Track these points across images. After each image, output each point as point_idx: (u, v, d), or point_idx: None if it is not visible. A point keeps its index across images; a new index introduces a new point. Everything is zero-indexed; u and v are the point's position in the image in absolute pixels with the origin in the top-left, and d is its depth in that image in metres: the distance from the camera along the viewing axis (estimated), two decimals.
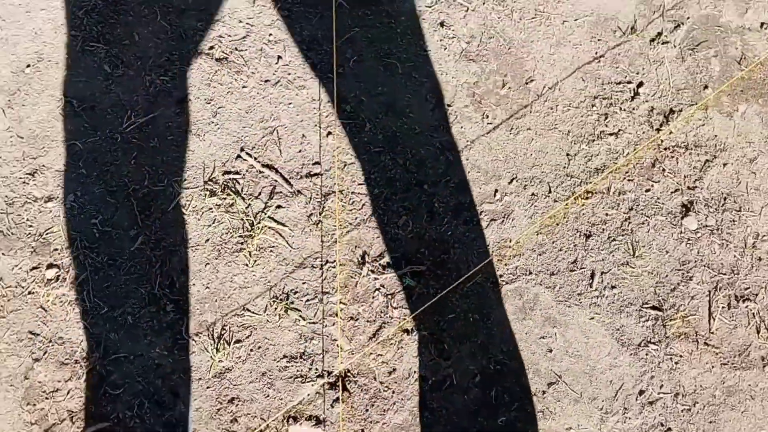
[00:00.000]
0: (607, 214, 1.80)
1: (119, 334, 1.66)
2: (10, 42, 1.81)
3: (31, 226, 1.72)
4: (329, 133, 1.81)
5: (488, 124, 1.85)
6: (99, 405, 1.61)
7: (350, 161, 1.80)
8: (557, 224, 1.78)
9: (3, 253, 1.69)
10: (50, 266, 1.70)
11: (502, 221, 1.78)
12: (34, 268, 1.69)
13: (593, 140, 1.85)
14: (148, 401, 1.62)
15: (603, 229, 1.79)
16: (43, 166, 1.75)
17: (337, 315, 1.68)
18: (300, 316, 1.68)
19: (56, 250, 1.70)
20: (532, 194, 1.81)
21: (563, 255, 1.76)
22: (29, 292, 1.68)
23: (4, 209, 1.72)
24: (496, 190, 1.80)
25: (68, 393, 1.63)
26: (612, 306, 1.73)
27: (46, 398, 1.63)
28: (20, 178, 1.75)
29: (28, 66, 1.80)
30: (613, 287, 1.75)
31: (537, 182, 1.82)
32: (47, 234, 1.71)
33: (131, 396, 1.62)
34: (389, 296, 1.71)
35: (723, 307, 1.74)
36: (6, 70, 1.79)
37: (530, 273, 1.74)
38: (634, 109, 1.88)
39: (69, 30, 1.84)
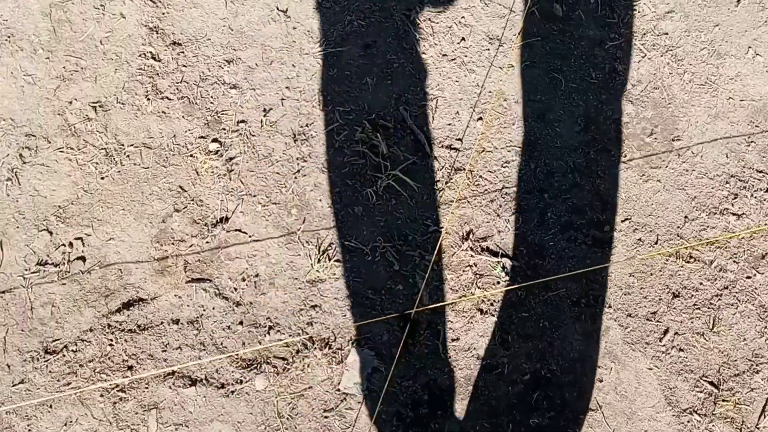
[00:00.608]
0: (701, 284, 2.00)
1: (246, 215, 2.04)
2: None
3: (212, 103, 2.13)
4: (480, 118, 2.11)
5: (623, 163, 2.08)
6: (209, 266, 2.00)
7: (489, 149, 2.09)
8: (651, 274, 2.00)
9: (183, 116, 2.11)
10: (214, 140, 2.10)
11: (602, 252, 2.02)
12: (201, 137, 2.10)
13: (714, 213, 2.05)
14: (248, 279, 2.00)
15: (692, 295, 1.99)
16: (239, 58, 2.16)
17: (426, 272, 1.99)
18: (396, 260, 2.00)
19: (224, 129, 2.11)
20: (639, 239, 2.03)
21: (646, 303, 1.98)
22: (191, 155, 2.09)
23: (197, 82, 2.14)
24: (608, 223, 2.04)
25: (190, 246, 2.03)
26: (673, 366, 1.93)
27: (172, 244, 2.03)
28: (218, 61, 2.16)
29: None
30: (681, 350, 1.95)
31: (647, 230, 2.04)
32: (222, 114, 2.12)
33: (237, 270, 2.00)
34: (478, 276, 2.00)
35: None
36: None
37: (610, 306, 1.97)
38: (765, 200, 2.06)
39: None
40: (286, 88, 2.05)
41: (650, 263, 1.94)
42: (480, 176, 2.00)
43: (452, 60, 2.08)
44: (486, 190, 1.98)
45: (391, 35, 2.10)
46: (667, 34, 2.13)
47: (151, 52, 2.08)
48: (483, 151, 2.01)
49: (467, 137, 2.02)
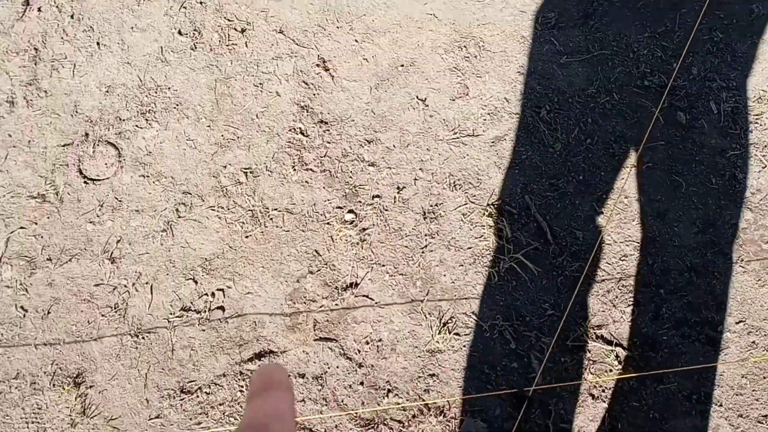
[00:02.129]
0: None
1: (374, 283, 2.67)
2: (398, 44, 3.00)
3: (351, 177, 2.82)
4: (601, 212, 2.72)
5: (740, 267, 2.63)
6: (337, 326, 2.62)
7: (608, 242, 2.69)
8: (764, 378, 2.49)
9: (324, 187, 2.82)
10: (350, 211, 2.78)
11: (715, 351, 2.53)
12: (338, 207, 2.79)
13: None
14: (371, 343, 2.61)
15: None
16: (379, 139, 2.87)
17: (542, 353, 2.55)
18: (513, 339, 2.57)
19: (360, 202, 2.79)
20: (753, 342, 2.54)
21: (758, 405, 2.46)
22: (327, 223, 2.77)
23: (338, 157, 2.86)
24: (722, 323, 2.56)
25: (320, 307, 2.67)
26: None
27: (304, 303, 2.68)
28: (360, 141, 2.88)
29: (402, 65, 2.96)
30: None
31: (762, 334, 2.55)
32: (359, 188, 2.80)
33: (362, 333, 2.61)
34: (591, 362, 2.54)
35: None
36: (385, 63, 2.97)
37: (721, 405, 2.46)
38: None
39: (442, 53, 2.99)
40: (420, 169, 2.73)
41: (763, 366, 2.44)
42: (599, 267, 2.58)
43: (576, 156, 2.73)
44: (603, 280, 2.56)
45: (521, 129, 2.77)
46: None
47: (300, 128, 2.82)
48: (602, 243, 2.60)
49: (587, 230, 2.63)
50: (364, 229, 2.54)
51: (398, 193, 2.57)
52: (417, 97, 2.68)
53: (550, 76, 2.69)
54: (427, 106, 2.66)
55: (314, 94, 2.71)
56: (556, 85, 2.67)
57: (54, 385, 2.45)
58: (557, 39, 2.74)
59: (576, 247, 2.47)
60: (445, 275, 2.46)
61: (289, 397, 0.60)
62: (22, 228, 2.64)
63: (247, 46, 2.78)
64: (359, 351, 2.41)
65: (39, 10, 2.83)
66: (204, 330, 2.47)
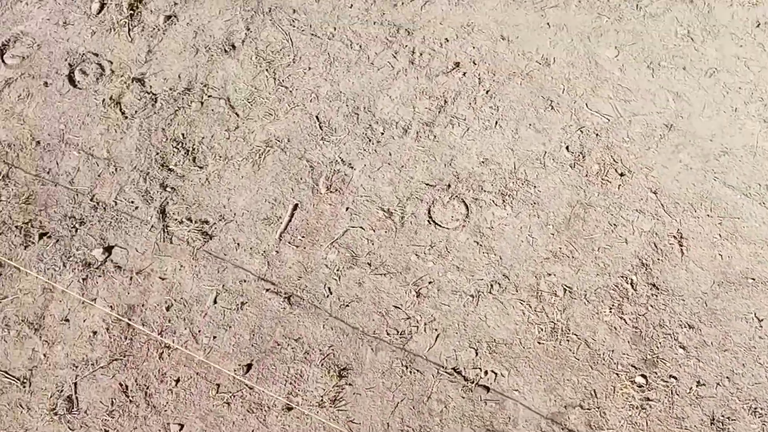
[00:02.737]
0: None
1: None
2: (758, 259, 3.17)
3: (657, 347, 2.95)
4: None
5: None
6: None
7: None
8: None
9: (628, 341, 2.97)
10: (642, 376, 2.89)
11: None
12: (633, 366, 2.91)
13: None
14: None
15: None
16: (700, 329, 2.99)
17: None
18: None
19: (656, 373, 2.90)
20: None
21: None
22: (616, 374, 2.89)
23: (654, 323, 3.01)
24: None
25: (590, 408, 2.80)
26: None
27: (561, 428, 2.83)
28: (680, 320, 3.02)
29: (753, 279, 3.12)
30: None
31: None
32: (660, 360, 2.93)
33: None
34: None
35: None
36: (738, 269, 3.12)
37: None
38: None
39: None
40: (727, 378, 2.83)
41: None
42: None
43: None
44: None
45: None
46: None
47: (632, 280, 3.05)
48: None
49: None
50: (648, 399, 2.68)
51: (696, 386, 2.70)
52: (755, 315, 2.83)
53: None
54: (761, 327, 2.80)
55: (658, 259, 2.96)
56: None
57: (322, 364, 2.81)
58: None
59: None
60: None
61: None
62: (361, 228, 3.11)
63: (618, 188, 3.12)
64: None
65: (464, 74, 3.41)
66: (464, 397, 2.72)
